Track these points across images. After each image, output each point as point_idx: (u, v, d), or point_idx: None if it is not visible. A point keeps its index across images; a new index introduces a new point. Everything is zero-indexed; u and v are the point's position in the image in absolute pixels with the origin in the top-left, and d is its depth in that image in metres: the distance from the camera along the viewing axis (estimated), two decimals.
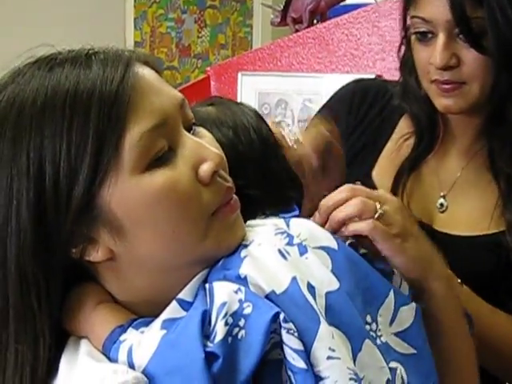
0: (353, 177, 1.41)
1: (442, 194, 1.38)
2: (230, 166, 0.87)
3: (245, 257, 0.82)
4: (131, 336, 0.79)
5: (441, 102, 1.30)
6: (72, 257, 0.81)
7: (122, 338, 0.79)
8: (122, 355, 0.78)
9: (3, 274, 0.80)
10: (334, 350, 0.78)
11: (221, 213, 0.82)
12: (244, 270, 0.80)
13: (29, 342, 0.80)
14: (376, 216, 0.90)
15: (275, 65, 2.43)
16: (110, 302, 0.84)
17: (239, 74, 2.45)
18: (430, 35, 1.26)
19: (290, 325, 0.77)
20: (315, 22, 2.48)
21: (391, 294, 0.86)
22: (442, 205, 1.38)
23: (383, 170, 1.43)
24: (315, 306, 0.79)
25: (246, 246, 0.83)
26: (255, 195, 0.93)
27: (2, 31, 3.50)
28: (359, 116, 1.47)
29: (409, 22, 1.32)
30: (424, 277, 0.92)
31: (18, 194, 0.78)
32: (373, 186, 1.36)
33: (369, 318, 0.84)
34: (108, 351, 0.80)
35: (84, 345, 0.82)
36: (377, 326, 0.84)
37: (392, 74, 2.20)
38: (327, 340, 0.78)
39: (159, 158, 0.79)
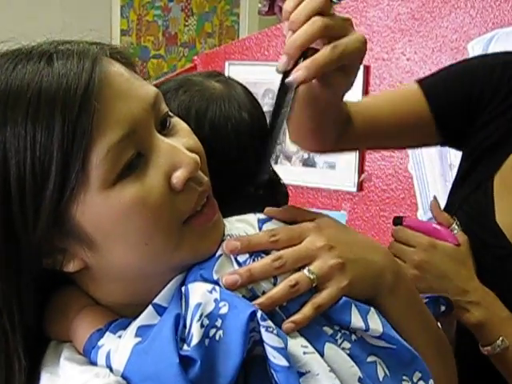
0: (477, 177, 1.19)
1: None
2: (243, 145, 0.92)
3: (220, 256, 0.79)
4: (108, 341, 0.77)
5: None
6: (45, 267, 0.78)
7: (100, 342, 0.77)
8: (101, 360, 0.76)
9: None
10: (306, 346, 0.77)
11: (194, 223, 0.78)
12: (217, 271, 0.78)
13: (0, 366, 0.76)
14: (313, 284, 0.80)
15: (262, 54, 2.43)
16: (93, 305, 0.82)
17: (226, 64, 2.45)
18: None
19: (269, 322, 0.74)
20: None
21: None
22: None
23: (505, 177, 1.17)
24: None
25: (221, 241, 0.80)
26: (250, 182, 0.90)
27: None
28: (492, 104, 1.19)
29: None
30: (373, 295, 0.84)
31: None
32: (489, 194, 1.16)
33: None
34: (88, 355, 0.77)
35: (66, 350, 0.79)
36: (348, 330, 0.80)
37: (379, 64, 2.20)
38: (298, 337, 0.77)
39: (128, 166, 0.74)
